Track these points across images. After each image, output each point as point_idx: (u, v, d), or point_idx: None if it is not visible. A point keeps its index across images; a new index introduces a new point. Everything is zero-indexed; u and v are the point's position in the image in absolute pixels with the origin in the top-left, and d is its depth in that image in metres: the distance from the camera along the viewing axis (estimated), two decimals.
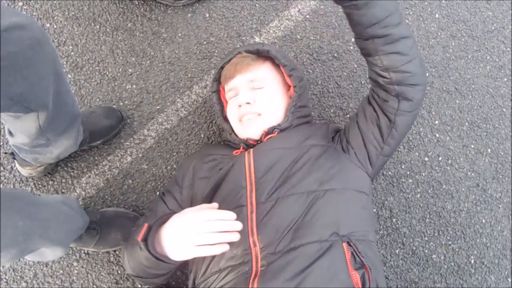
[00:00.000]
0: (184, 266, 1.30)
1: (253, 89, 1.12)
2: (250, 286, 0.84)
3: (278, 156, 1.02)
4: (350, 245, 0.90)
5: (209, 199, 1.03)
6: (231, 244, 0.91)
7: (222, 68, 1.22)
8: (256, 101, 1.10)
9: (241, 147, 1.12)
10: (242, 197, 0.97)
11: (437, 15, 1.53)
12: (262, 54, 1.19)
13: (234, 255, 0.91)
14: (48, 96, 0.94)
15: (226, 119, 1.21)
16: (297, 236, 0.89)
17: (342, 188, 0.98)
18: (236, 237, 0.83)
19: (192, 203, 1.07)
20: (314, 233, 0.90)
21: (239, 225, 0.83)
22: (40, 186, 1.37)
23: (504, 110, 1.43)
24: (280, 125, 1.10)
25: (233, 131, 1.18)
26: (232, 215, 0.83)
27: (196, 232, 0.82)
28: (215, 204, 0.87)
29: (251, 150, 1.06)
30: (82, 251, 1.32)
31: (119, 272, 1.31)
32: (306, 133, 1.09)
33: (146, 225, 0.90)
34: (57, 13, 1.51)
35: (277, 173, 0.98)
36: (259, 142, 1.11)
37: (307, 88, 1.34)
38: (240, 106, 1.11)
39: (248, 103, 1.10)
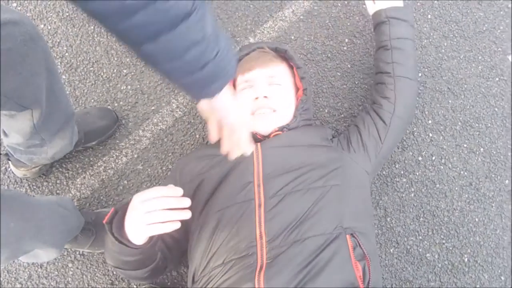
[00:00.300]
0: (177, 265, 1.30)
1: (271, 84, 1.14)
2: (256, 279, 0.85)
3: (286, 154, 1.05)
4: (353, 236, 0.94)
5: (215, 192, 1.04)
6: (236, 236, 0.93)
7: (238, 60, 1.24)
8: (273, 97, 1.12)
9: None
10: (250, 191, 0.99)
11: (429, 16, 1.54)
12: (279, 53, 1.24)
13: (238, 248, 0.92)
14: (41, 92, 0.94)
15: None
16: (303, 229, 0.92)
17: (344, 185, 1.02)
18: (187, 215, 0.83)
19: (195, 198, 1.07)
20: (320, 227, 0.93)
21: (187, 202, 0.83)
22: (35, 187, 1.37)
23: (496, 109, 1.45)
24: (289, 125, 1.13)
25: None
26: (179, 191, 0.83)
27: (144, 211, 0.81)
28: (170, 186, 0.86)
29: (259, 144, 1.07)
30: (77, 252, 1.31)
31: (115, 273, 1.30)
32: (310, 134, 1.14)
33: (112, 208, 0.90)
34: (51, 14, 1.51)
35: (286, 170, 1.01)
36: (265, 137, 1.12)
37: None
38: (256, 98, 1.12)
39: (266, 97, 1.11)
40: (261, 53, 1.21)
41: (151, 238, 0.88)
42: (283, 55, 1.25)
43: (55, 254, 1.14)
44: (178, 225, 0.82)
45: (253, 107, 1.12)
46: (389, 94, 1.16)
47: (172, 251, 1.10)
